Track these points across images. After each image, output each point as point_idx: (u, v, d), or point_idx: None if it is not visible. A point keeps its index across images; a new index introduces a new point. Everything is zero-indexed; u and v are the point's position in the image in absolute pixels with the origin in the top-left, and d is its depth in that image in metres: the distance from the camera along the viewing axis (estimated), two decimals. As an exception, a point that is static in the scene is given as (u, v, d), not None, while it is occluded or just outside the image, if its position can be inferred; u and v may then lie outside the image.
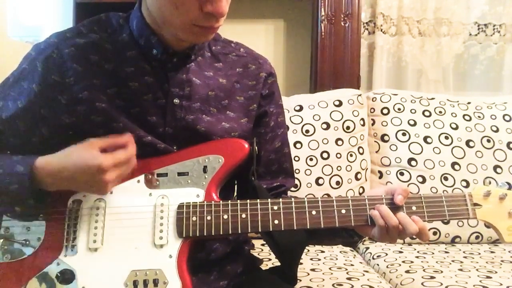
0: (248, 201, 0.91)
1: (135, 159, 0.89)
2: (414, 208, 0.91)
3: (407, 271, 1.36)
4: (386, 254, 1.53)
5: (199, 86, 0.98)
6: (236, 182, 1.09)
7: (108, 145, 0.88)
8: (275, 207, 0.90)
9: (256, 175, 1.04)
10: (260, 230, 0.90)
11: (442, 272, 1.33)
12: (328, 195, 1.66)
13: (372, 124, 1.81)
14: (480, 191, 0.94)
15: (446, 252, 1.55)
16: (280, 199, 0.92)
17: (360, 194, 1.71)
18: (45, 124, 0.94)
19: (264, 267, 1.16)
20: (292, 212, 0.90)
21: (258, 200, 0.91)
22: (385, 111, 1.79)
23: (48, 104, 0.93)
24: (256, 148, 1.00)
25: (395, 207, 0.91)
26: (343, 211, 0.91)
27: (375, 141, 1.79)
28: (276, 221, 0.90)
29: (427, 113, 1.78)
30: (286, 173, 1.12)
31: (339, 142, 1.72)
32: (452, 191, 1.66)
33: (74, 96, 0.92)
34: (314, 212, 0.90)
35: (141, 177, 0.93)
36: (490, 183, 1.50)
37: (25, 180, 0.85)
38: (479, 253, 1.54)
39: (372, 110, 1.82)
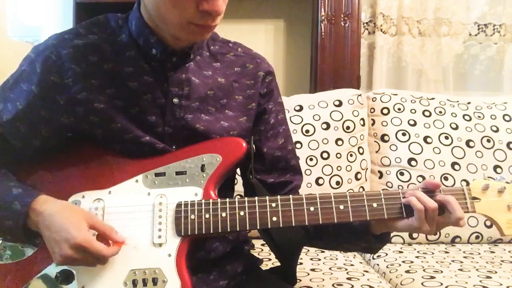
0: (246, 198, 0.91)
1: (105, 261, 0.86)
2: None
3: (407, 271, 1.36)
4: (386, 254, 1.53)
5: (198, 85, 0.98)
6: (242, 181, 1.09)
7: (101, 230, 0.87)
8: (273, 204, 0.90)
9: (262, 172, 1.05)
10: (258, 228, 0.90)
11: (442, 272, 1.33)
12: (328, 194, 1.66)
13: (372, 124, 1.81)
14: (478, 185, 0.94)
15: (446, 252, 1.55)
16: (278, 196, 0.91)
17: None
18: (45, 125, 0.94)
19: (264, 267, 1.16)
20: (290, 209, 0.90)
21: (256, 198, 0.91)
22: (385, 111, 1.79)
23: (48, 105, 0.93)
24: (254, 146, 1.00)
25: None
26: (341, 207, 0.91)
27: (375, 141, 1.79)
28: (274, 218, 0.90)
29: (427, 113, 1.77)
30: (294, 170, 1.11)
31: (339, 142, 1.72)
32: (452, 191, 1.66)
33: (72, 96, 0.92)
34: (312, 209, 0.90)
35: (139, 177, 0.93)
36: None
37: (20, 219, 0.86)
38: (479, 253, 1.53)
39: (372, 110, 1.82)
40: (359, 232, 0.99)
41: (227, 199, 0.90)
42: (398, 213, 0.92)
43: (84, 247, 0.82)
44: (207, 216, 0.89)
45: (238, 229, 0.89)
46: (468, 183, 1.63)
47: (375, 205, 0.91)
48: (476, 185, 0.94)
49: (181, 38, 0.92)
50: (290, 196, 0.91)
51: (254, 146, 1.02)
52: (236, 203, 0.90)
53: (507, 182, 0.94)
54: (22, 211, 0.86)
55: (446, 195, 0.91)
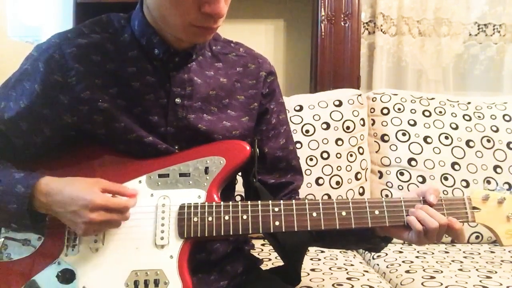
0: (249, 202, 0.91)
1: (129, 213, 0.88)
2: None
3: (407, 271, 1.36)
4: (386, 254, 1.53)
5: (200, 85, 0.98)
6: (243, 183, 1.09)
7: (113, 189, 0.88)
8: (276, 209, 0.90)
9: (263, 172, 1.05)
10: (261, 232, 0.91)
11: (442, 272, 1.33)
12: (328, 195, 1.66)
13: (372, 124, 1.81)
14: (478, 195, 0.95)
15: (446, 252, 1.55)
16: (281, 201, 0.92)
17: (360, 194, 1.71)
18: (47, 124, 0.94)
19: (264, 267, 1.16)
20: (293, 214, 0.90)
21: (259, 202, 0.91)
22: (385, 111, 1.79)
23: (50, 104, 0.93)
24: (258, 150, 1.00)
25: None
26: (344, 213, 0.91)
27: (375, 141, 1.79)
28: (277, 223, 0.90)
29: (427, 113, 1.78)
30: (294, 171, 1.12)
31: (339, 142, 1.72)
32: (452, 192, 1.66)
33: (76, 96, 0.92)
34: (314, 214, 0.90)
35: (143, 178, 0.93)
36: (489, 183, 1.50)
37: (24, 202, 0.86)
38: (479, 253, 1.54)
39: (372, 110, 1.82)
40: (364, 236, 0.99)
41: (230, 202, 0.91)
42: (400, 221, 0.92)
43: (105, 205, 0.84)
44: (210, 219, 0.89)
45: (240, 233, 0.90)
46: (468, 184, 1.65)
47: (377, 212, 0.92)
48: (476, 195, 0.95)
49: (183, 39, 0.92)
50: (293, 201, 0.92)
51: (257, 149, 1.01)
52: (239, 206, 0.90)
53: (508, 189, 0.95)
54: (25, 194, 0.86)
55: (452, 219, 0.90)
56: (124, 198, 0.88)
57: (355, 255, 1.56)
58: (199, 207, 0.90)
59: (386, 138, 1.77)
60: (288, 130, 1.13)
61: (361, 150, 1.76)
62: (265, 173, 1.06)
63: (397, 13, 2.23)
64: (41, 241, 0.90)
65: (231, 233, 0.89)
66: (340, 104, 1.78)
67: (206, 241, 0.97)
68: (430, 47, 2.26)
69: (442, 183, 1.67)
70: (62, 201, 0.85)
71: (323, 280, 1.27)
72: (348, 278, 1.29)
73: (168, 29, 0.91)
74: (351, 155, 1.73)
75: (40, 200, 0.86)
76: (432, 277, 1.29)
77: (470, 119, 1.77)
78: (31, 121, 0.93)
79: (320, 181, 1.68)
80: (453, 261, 1.45)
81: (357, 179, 1.72)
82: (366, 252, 1.60)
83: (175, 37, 0.93)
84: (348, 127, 1.74)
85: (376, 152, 1.78)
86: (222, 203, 0.91)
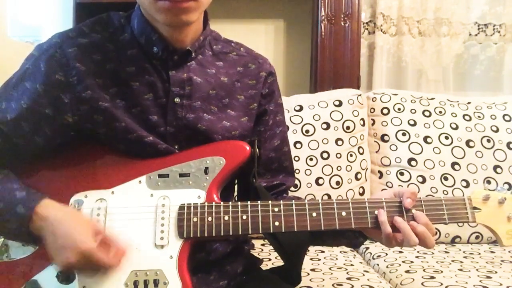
0: (248, 202, 0.91)
1: (111, 270, 0.86)
2: (414, 211, 0.91)
3: (407, 271, 1.36)
4: (386, 254, 1.53)
5: (200, 84, 0.98)
6: (236, 183, 1.09)
7: (106, 240, 0.86)
8: (276, 209, 0.90)
9: (257, 176, 1.04)
10: (260, 232, 0.91)
11: (442, 272, 1.33)
12: (328, 195, 1.66)
13: (372, 124, 1.81)
14: (479, 195, 0.95)
15: (446, 252, 1.55)
16: (281, 201, 0.92)
17: (360, 194, 1.71)
18: (49, 124, 0.94)
19: (264, 267, 1.16)
20: (293, 214, 0.90)
21: (259, 202, 0.91)
22: (385, 111, 1.80)
23: (52, 104, 0.92)
24: (258, 150, 1.00)
25: (396, 211, 0.91)
26: (344, 214, 0.91)
27: (375, 141, 1.79)
28: (276, 223, 0.90)
29: (427, 113, 1.78)
30: (286, 172, 1.12)
31: (339, 142, 1.72)
32: (452, 192, 1.66)
33: (77, 95, 0.92)
34: (314, 214, 0.90)
35: (143, 178, 0.93)
36: (490, 183, 1.50)
37: (24, 223, 0.86)
38: (479, 253, 1.54)
39: (372, 110, 1.83)
40: (341, 230, 0.98)
41: (230, 203, 0.90)
42: (365, 223, 0.91)
43: (88, 255, 0.83)
44: (209, 219, 0.89)
45: (240, 233, 0.90)
46: (468, 184, 1.65)
47: (376, 212, 0.91)
48: (477, 195, 0.95)
49: (161, 20, 0.90)
50: (293, 201, 0.92)
51: (257, 150, 1.01)
52: (239, 207, 0.90)
53: (508, 189, 0.95)
54: (26, 215, 0.86)
55: (402, 222, 0.90)
56: (106, 257, 0.85)
57: (355, 255, 1.56)
58: (198, 207, 0.90)
59: (386, 138, 1.77)
60: (284, 131, 1.13)
61: (361, 150, 1.76)
62: (258, 175, 1.06)
63: (397, 13, 2.23)
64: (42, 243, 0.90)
65: (230, 233, 0.89)
66: (340, 104, 1.78)
67: (206, 241, 0.97)
68: (430, 47, 2.26)
69: (442, 183, 1.67)
70: (55, 232, 0.84)
71: (323, 280, 1.28)
72: (348, 278, 1.29)
73: (148, 14, 0.92)
74: (351, 155, 1.73)
75: (36, 222, 0.86)
76: (432, 277, 1.29)
77: (470, 119, 1.77)
78: (33, 121, 0.93)
79: (320, 181, 1.68)
80: (453, 261, 1.45)
81: (357, 179, 1.72)
82: (366, 252, 1.60)
83: (170, 33, 0.93)
84: (348, 127, 1.74)
85: (376, 152, 1.78)
86: (221, 203, 0.90)
